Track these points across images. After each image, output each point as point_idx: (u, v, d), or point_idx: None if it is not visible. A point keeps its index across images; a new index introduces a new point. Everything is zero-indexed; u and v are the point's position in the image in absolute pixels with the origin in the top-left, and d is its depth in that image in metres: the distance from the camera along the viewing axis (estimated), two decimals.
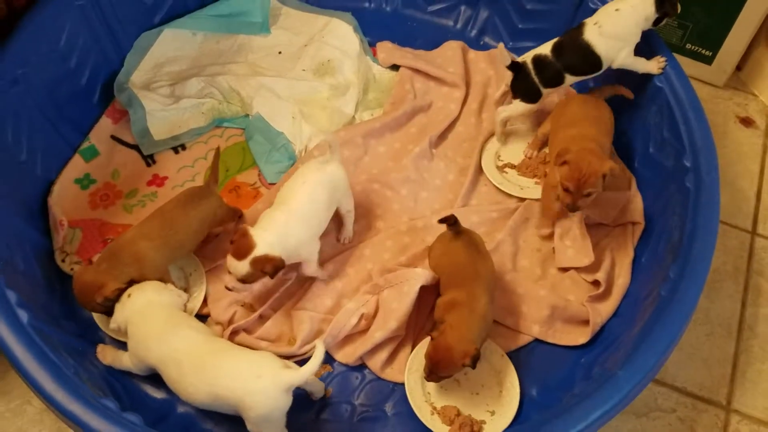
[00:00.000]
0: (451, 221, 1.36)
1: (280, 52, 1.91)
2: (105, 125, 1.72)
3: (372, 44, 1.96)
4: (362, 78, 1.87)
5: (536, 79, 1.59)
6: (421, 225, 1.60)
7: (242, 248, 1.27)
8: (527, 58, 1.61)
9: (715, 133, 1.81)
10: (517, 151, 1.74)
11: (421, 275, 1.42)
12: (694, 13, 1.85)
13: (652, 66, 1.55)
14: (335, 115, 1.79)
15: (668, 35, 1.92)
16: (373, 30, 1.99)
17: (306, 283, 1.48)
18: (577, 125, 1.46)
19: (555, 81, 1.59)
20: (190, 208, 1.38)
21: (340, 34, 1.93)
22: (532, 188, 1.67)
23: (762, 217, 1.68)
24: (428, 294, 1.43)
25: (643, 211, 1.56)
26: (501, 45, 1.61)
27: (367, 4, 2.05)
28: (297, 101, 1.80)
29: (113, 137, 1.71)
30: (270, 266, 1.27)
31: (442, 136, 1.79)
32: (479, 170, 1.71)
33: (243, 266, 1.27)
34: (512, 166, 1.72)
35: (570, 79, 1.59)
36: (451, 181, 1.70)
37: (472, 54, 1.94)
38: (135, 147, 1.70)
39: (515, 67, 1.61)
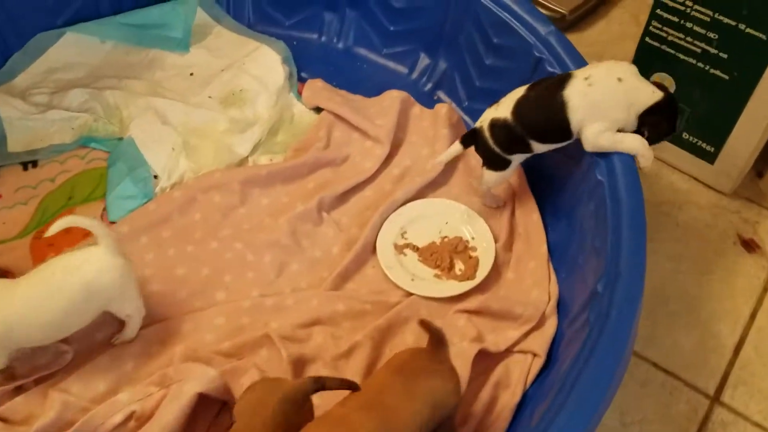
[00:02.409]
0: (436, 334, 0.97)
1: (192, 74, 1.66)
2: None
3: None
4: (276, 116, 1.57)
5: (495, 148, 1.24)
6: (270, 304, 1.25)
7: None
8: (484, 122, 1.25)
9: (705, 252, 1.41)
10: (428, 231, 1.38)
11: (208, 377, 1.07)
12: (691, 93, 1.43)
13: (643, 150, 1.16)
14: (223, 152, 1.49)
15: None
16: (317, 66, 1.71)
17: (93, 353, 1.16)
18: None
19: (518, 148, 1.24)
20: None
21: (266, 63, 1.66)
22: (426, 282, 1.29)
23: (734, 380, 1.21)
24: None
25: (549, 343, 1.15)
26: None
27: (316, 36, 1.78)
28: (186, 130, 1.52)
29: None
30: None
31: (343, 198, 1.45)
32: (371, 248, 1.36)
33: None
34: (415, 248, 1.36)
35: (538, 146, 1.22)
36: (334, 255, 1.35)
37: (417, 110, 1.61)
38: None
39: (470, 139, 1.29)
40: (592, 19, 1.95)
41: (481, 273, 1.29)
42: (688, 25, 1.34)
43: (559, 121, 1.17)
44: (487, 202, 1.41)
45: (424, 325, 0.98)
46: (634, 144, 1.15)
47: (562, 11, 1.83)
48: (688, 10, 1.33)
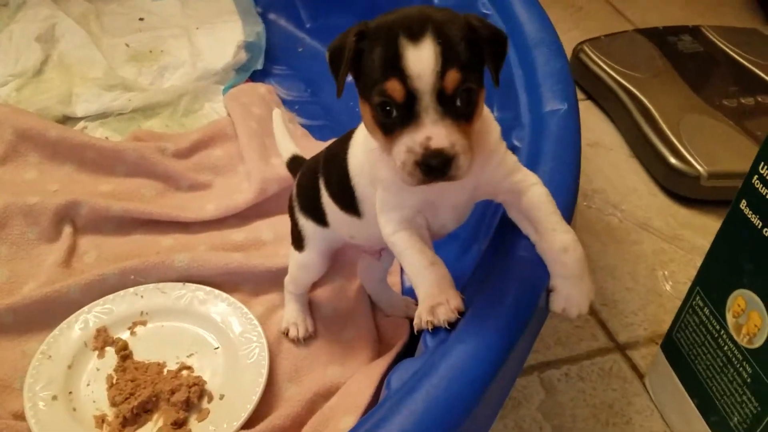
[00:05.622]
0: None
1: (141, 19, 1.24)
2: None
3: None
4: (166, 97, 1.07)
5: (294, 191, 0.76)
6: None
7: None
8: None
9: None
10: (172, 342, 0.73)
11: None
12: None
13: None
14: (55, 101, 1.02)
15: None
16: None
17: None
18: None
19: (312, 208, 0.73)
20: None
21: (220, 38, 1.17)
22: (69, 417, 0.67)
23: None
24: None
25: None
26: None
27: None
28: (58, 59, 1.12)
29: None
30: None
31: (122, 226, 0.87)
32: (63, 311, 0.74)
33: None
34: (124, 354, 0.73)
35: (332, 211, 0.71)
36: (19, 293, 0.76)
37: None
38: None
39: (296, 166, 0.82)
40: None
41: None
42: None
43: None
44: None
45: None
46: None
47: (700, 169, 1.06)
48: None
